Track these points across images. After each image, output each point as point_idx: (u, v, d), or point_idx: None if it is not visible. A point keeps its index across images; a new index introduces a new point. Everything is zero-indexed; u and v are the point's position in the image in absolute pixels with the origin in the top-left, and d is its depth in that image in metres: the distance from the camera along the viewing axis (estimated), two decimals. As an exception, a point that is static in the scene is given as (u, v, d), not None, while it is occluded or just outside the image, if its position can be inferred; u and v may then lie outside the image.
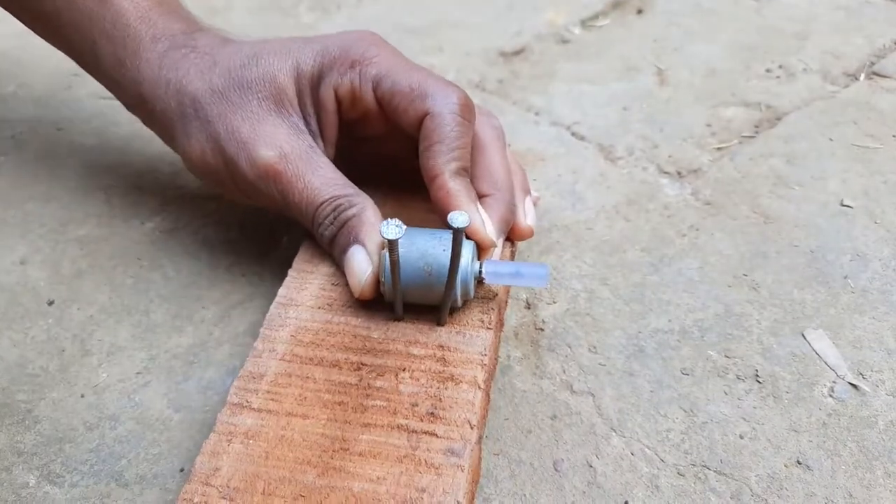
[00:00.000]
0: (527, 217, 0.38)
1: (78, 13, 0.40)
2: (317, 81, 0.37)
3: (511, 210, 0.37)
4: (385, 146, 0.40)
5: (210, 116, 0.36)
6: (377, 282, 0.33)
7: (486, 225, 0.34)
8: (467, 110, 0.35)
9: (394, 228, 0.28)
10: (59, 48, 0.44)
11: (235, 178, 0.36)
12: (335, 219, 0.35)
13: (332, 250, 0.36)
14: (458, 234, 0.29)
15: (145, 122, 0.42)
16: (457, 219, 0.28)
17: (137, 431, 0.34)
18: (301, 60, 0.37)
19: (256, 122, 0.36)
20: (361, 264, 0.33)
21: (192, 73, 0.37)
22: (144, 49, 0.39)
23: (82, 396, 0.36)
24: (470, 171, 0.36)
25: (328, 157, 0.37)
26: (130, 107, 0.42)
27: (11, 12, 0.44)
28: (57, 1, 0.40)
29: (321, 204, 0.35)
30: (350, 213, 0.35)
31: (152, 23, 0.39)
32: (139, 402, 0.36)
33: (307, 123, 0.37)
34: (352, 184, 0.36)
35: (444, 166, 0.34)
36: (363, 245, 0.34)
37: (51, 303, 0.41)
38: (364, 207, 0.35)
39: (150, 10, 0.40)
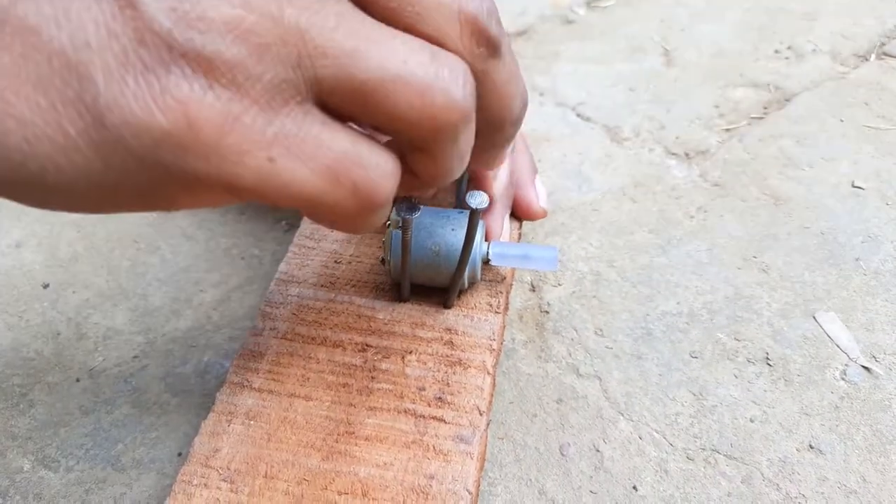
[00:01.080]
0: (539, 198, 0.37)
1: None
2: None
3: (533, 163, 0.38)
4: None
5: None
6: None
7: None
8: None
9: (409, 206, 0.27)
10: None
11: None
12: None
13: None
14: (475, 216, 0.28)
15: None
16: (475, 199, 0.27)
17: (134, 415, 0.34)
18: None
19: None
20: None
21: None
22: None
23: (78, 380, 0.35)
24: None
25: None
26: None
27: None
28: None
29: None
30: None
31: None
32: (136, 385, 0.35)
33: None
34: None
35: None
36: None
37: (46, 286, 0.41)
38: None
39: None
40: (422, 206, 0.27)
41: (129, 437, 0.33)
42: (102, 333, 0.38)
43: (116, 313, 0.39)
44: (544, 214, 0.37)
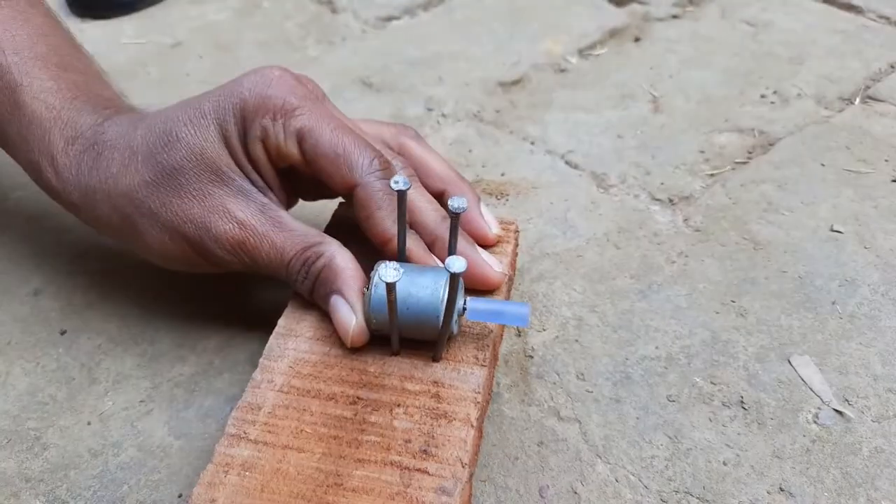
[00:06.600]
0: (491, 227, 0.39)
1: None
2: (244, 139, 0.36)
3: (473, 191, 0.40)
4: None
5: (154, 208, 0.36)
6: (365, 330, 0.34)
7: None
8: (388, 167, 0.36)
9: (392, 272, 0.29)
10: None
11: (206, 256, 0.37)
12: (307, 273, 0.35)
13: (315, 301, 0.36)
14: (455, 279, 0.30)
15: (96, 229, 0.41)
16: (453, 264, 0.29)
17: (139, 458, 0.36)
18: (222, 122, 0.36)
19: (203, 199, 0.36)
20: (346, 316, 0.34)
21: (115, 172, 0.37)
22: (58, 154, 0.38)
23: (88, 424, 0.38)
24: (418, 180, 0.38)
25: (284, 206, 0.38)
26: (73, 213, 0.41)
27: None
28: None
29: (290, 261, 0.35)
30: (320, 263, 0.35)
31: (64, 123, 0.38)
32: (141, 429, 0.37)
33: (252, 181, 0.37)
34: (315, 230, 0.36)
35: (391, 230, 0.35)
36: (342, 294, 0.34)
37: (63, 332, 0.43)
38: (332, 255, 0.35)
39: (62, 109, 0.39)
40: (403, 270, 0.30)
41: (133, 479, 0.35)
42: (112, 378, 0.40)
43: (126, 358, 0.41)
44: (496, 242, 0.40)
